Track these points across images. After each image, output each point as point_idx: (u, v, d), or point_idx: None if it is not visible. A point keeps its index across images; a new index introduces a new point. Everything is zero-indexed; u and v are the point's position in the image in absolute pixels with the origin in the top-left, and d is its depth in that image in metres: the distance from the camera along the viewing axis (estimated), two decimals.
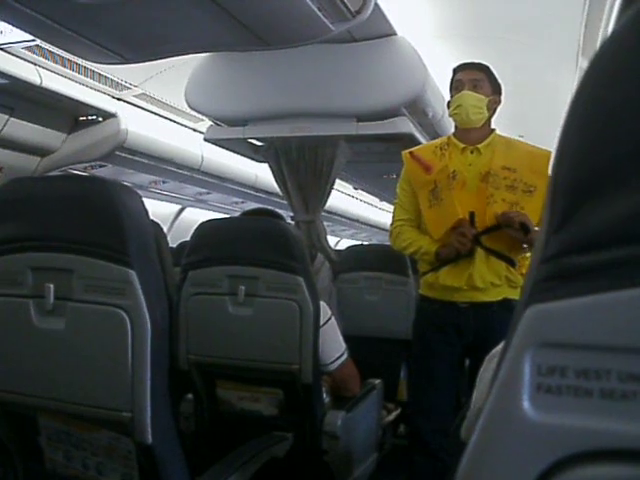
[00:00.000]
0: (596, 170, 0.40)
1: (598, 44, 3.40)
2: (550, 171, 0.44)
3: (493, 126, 2.64)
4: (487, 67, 2.59)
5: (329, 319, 2.50)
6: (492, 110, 2.60)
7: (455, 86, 2.58)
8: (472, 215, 2.46)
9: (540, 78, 4.47)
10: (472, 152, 2.57)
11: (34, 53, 3.59)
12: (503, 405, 0.42)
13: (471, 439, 0.44)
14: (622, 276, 0.38)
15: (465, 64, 2.60)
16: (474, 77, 2.55)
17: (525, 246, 2.48)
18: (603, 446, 0.38)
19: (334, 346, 2.51)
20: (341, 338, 2.56)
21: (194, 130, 5.26)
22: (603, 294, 0.38)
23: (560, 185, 0.42)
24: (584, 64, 3.86)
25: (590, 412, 0.39)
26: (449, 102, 2.63)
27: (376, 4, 2.75)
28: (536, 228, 2.35)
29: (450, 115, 2.63)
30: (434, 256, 2.54)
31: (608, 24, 3.09)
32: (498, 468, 0.42)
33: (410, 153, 2.64)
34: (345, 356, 2.55)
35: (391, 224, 2.74)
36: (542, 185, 2.41)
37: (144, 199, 1.58)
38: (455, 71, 2.62)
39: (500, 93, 2.62)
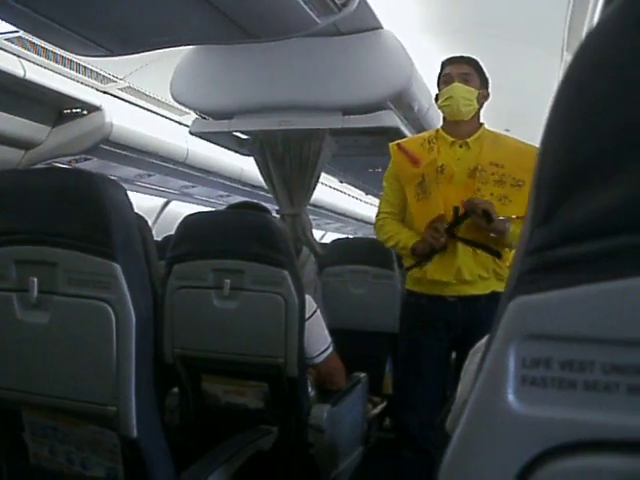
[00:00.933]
0: (580, 163, 0.40)
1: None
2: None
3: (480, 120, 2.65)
4: (476, 61, 2.59)
5: (314, 312, 2.49)
6: (480, 104, 2.60)
7: (444, 80, 2.57)
8: (456, 210, 2.46)
9: (525, 73, 4.48)
10: (461, 146, 2.56)
11: (18, 45, 3.56)
12: (488, 397, 0.42)
13: (456, 431, 0.44)
14: (605, 268, 0.38)
15: (454, 58, 2.60)
16: (463, 71, 2.54)
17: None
18: (587, 437, 0.38)
19: (319, 339, 2.51)
20: (326, 332, 2.56)
21: (179, 123, 5.24)
22: (586, 286, 0.39)
23: (544, 178, 0.42)
24: (569, 59, 3.86)
25: (574, 404, 0.39)
26: (437, 95, 2.62)
27: None
28: (501, 218, 2.37)
29: (440, 107, 2.61)
30: (410, 251, 2.55)
31: (592, 19, 3.10)
32: (482, 460, 0.42)
33: (397, 145, 2.64)
34: (330, 349, 2.55)
35: (376, 216, 2.75)
36: (530, 180, 2.41)
37: (129, 192, 1.57)
38: (444, 65, 2.61)
39: (487, 87, 2.62)
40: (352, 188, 7.88)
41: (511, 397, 0.41)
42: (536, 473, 0.40)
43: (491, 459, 0.42)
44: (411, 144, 2.65)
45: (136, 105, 4.83)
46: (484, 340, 0.93)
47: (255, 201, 2.95)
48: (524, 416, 0.40)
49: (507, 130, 2.99)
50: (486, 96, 2.61)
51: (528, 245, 0.42)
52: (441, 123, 2.68)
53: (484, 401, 0.42)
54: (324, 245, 4.40)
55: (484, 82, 2.60)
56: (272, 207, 3.72)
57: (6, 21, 2.69)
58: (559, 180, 0.41)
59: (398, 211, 2.67)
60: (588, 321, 0.39)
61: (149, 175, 5.68)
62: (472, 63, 2.58)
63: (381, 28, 3.45)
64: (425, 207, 2.51)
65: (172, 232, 2.55)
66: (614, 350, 0.38)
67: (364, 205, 9.88)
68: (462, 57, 2.59)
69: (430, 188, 2.49)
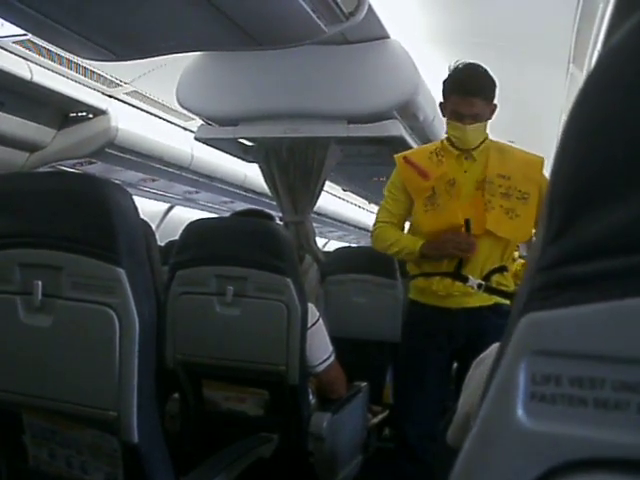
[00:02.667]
0: (594, 180, 0.40)
1: (589, 52, 3.42)
2: (548, 179, 0.44)
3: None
4: (483, 87, 2.48)
5: (317, 321, 2.49)
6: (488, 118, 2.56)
7: (452, 109, 2.48)
8: (467, 222, 2.45)
9: (530, 84, 4.49)
10: (467, 158, 2.55)
11: (25, 48, 3.57)
12: (497, 413, 0.42)
13: (464, 446, 0.44)
14: (616, 286, 0.38)
15: (464, 88, 2.46)
16: (475, 111, 2.46)
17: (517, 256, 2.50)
18: (596, 455, 0.38)
19: (321, 348, 2.50)
20: (328, 340, 2.56)
21: (185, 129, 5.26)
22: (598, 304, 0.39)
23: (557, 195, 0.42)
24: (575, 71, 3.88)
25: (584, 421, 0.39)
26: (441, 103, 2.56)
27: (370, 7, 2.75)
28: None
29: (448, 135, 2.57)
30: (419, 254, 2.53)
31: (599, 33, 3.11)
32: (490, 475, 0.42)
33: (404, 158, 2.59)
34: (332, 358, 2.54)
35: (373, 225, 2.73)
36: (535, 191, 2.41)
37: (133, 197, 1.57)
38: (453, 90, 2.49)
39: (493, 99, 2.58)
40: (355, 197, 7.89)
41: (520, 413, 0.41)
42: None
43: (499, 474, 0.41)
44: (418, 157, 2.61)
45: (142, 110, 4.84)
46: (488, 351, 0.94)
47: (261, 208, 2.96)
48: (533, 432, 0.40)
49: (511, 141, 2.98)
50: (494, 109, 2.57)
51: (540, 262, 0.42)
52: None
53: (493, 416, 0.42)
54: (327, 253, 4.40)
55: (492, 98, 2.53)
56: (275, 214, 3.72)
57: (14, 24, 2.70)
58: (572, 197, 0.41)
59: (397, 221, 2.66)
60: (599, 338, 0.38)
61: (153, 180, 5.69)
62: (482, 92, 2.47)
63: (388, 37, 3.46)
64: (434, 219, 2.49)
65: (175, 237, 2.55)
66: (624, 368, 0.38)
67: (367, 214, 9.88)
68: (471, 89, 2.46)
69: (439, 200, 2.47)
